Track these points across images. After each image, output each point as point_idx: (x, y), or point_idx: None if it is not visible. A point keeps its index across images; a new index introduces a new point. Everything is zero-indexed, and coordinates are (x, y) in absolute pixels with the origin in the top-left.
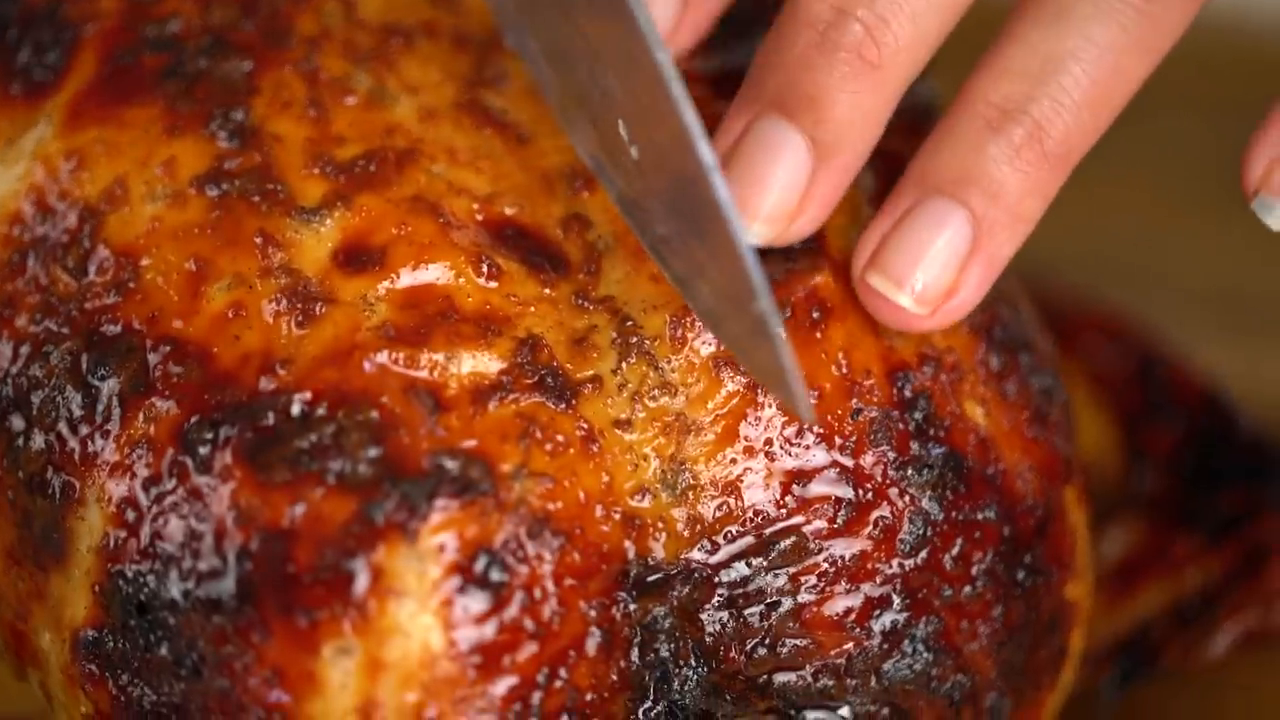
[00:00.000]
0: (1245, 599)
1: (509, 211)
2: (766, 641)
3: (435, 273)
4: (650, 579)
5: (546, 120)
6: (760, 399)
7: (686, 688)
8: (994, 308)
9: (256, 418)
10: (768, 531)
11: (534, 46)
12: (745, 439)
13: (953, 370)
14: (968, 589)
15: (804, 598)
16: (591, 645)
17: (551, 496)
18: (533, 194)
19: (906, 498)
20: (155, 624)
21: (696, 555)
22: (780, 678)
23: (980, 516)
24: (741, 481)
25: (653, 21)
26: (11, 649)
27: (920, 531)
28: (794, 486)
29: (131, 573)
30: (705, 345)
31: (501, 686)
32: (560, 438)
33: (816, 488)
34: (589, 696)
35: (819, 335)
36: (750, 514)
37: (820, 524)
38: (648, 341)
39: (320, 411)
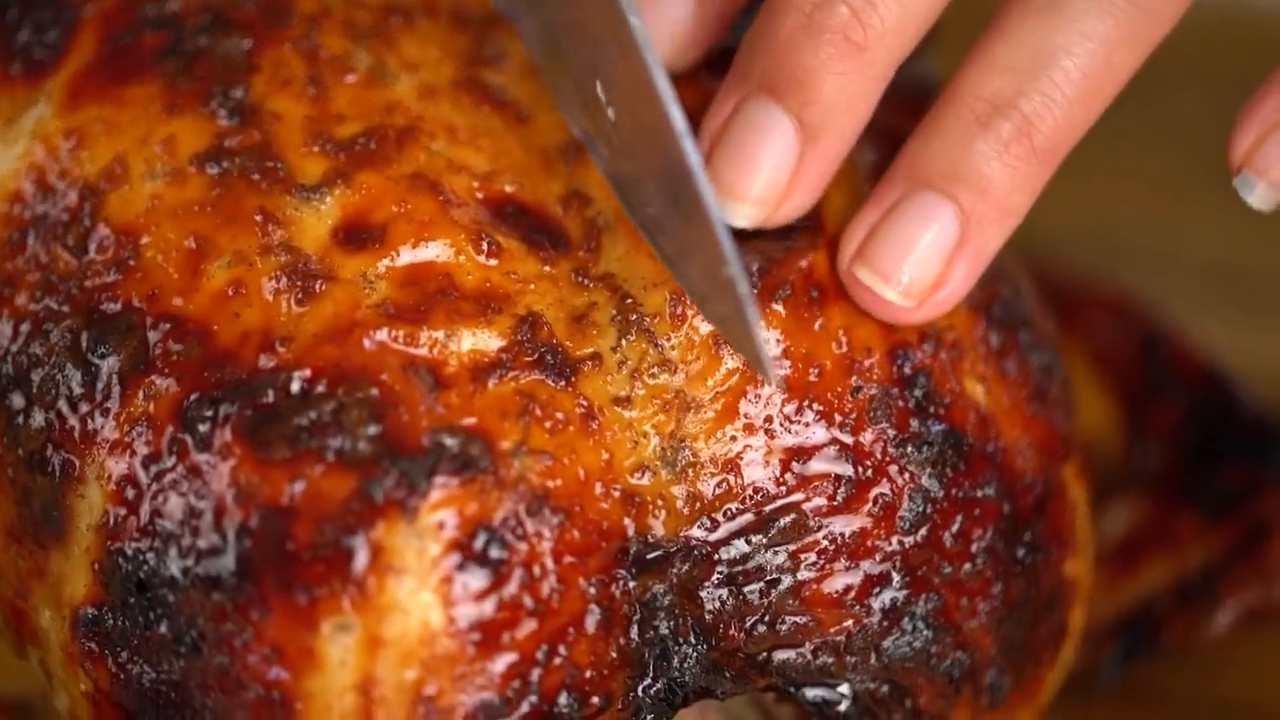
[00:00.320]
0: (1247, 576)
1: (509, 189)
2: (766, 619)
3: (435, 250)
4: (650, 556)
5: (545, 98)
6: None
7: (686, 665)
8: (994, 286)
9: (256, 395)
10: (767, 509)
11: (528, 22)
12: (745, 416)
13: (953, 348)
14: (967, 566)
15: (804, 575)
16: (591, 622)
17: (551, 474)
18: (532, 171)
19: (906, 475)
20: (155, 601)
21: (696, 532)
22: (780, 655)
23: (980, 494)
24: (741, 459)
25: (636, 6)
26: (11, 627)
27: (920, 509)
28: (794, 464)
29: (131, 550)
30: (705, 323)
31: (501, 663)
32: (560, 415)
33: (816, 465)
34: (588, 674)
35: (818, 313)
36: (750, 491)
37: (820, 501)
38: (647, 319)
39: (320, 389)
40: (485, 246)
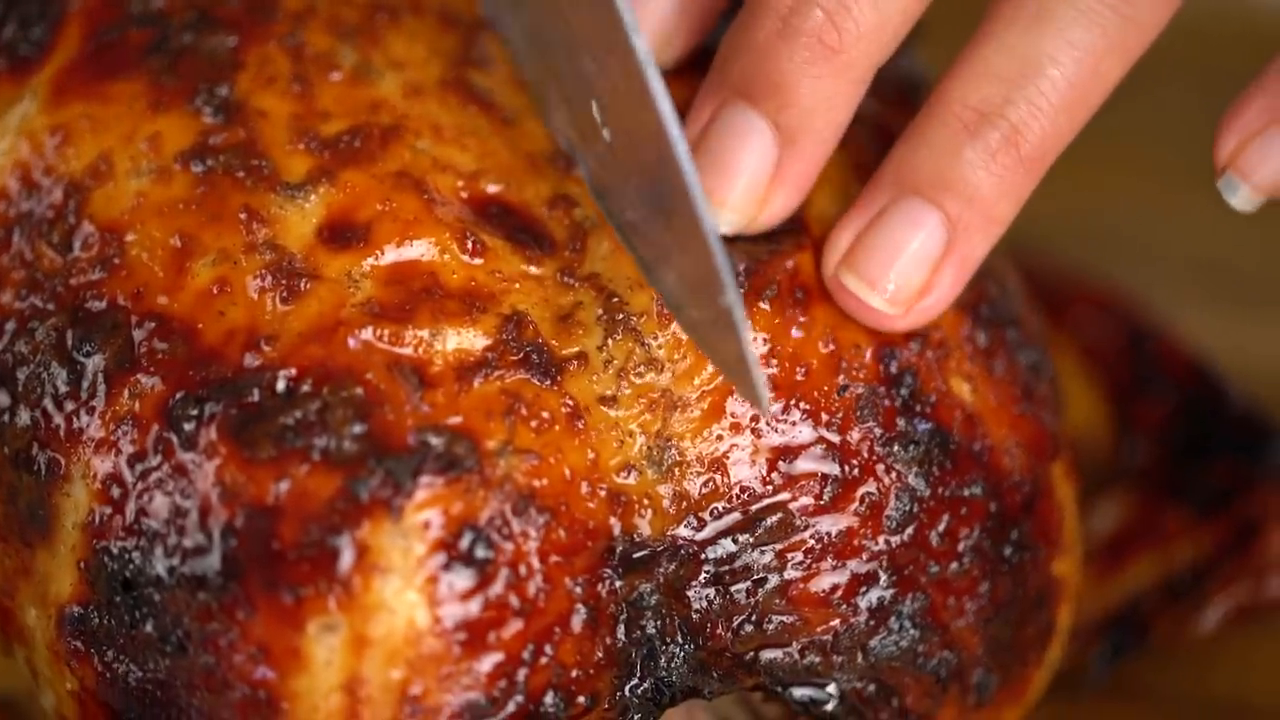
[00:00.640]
0: (1235, 573)
1: (494, 189)
2: (753, 618)
3: (420, 249)
4: (636, 556)
5: (532, 105)
6: None
7: (673, 665)
8: (981, 285)
9: (241, 394)
10: (754, 508)
11: (515, 31)
12: (732, 415)
13: (939, 347)
14: (954, 565)
15: (790, 574)
16: (577, 622)
17: (537, 473)
18: (518, 173)
19: (893, 474)
20: (140, 600)
21: (683, 532)
22: (767, 654)
23: (967, 492)
24: (728, 458)
25: (631, 7)
26: None
27: (907, 508)
28: (780, 463)
29: (117, 549)
30: None
31: (487, 663)
32: (545, 414)
33: (803, 464)
34: (574, 673)
35: (804, 313)
36: (736, 490)
37: (806, 500)
38: (634, 318)
39: (305, 388)
40: (470, 245)
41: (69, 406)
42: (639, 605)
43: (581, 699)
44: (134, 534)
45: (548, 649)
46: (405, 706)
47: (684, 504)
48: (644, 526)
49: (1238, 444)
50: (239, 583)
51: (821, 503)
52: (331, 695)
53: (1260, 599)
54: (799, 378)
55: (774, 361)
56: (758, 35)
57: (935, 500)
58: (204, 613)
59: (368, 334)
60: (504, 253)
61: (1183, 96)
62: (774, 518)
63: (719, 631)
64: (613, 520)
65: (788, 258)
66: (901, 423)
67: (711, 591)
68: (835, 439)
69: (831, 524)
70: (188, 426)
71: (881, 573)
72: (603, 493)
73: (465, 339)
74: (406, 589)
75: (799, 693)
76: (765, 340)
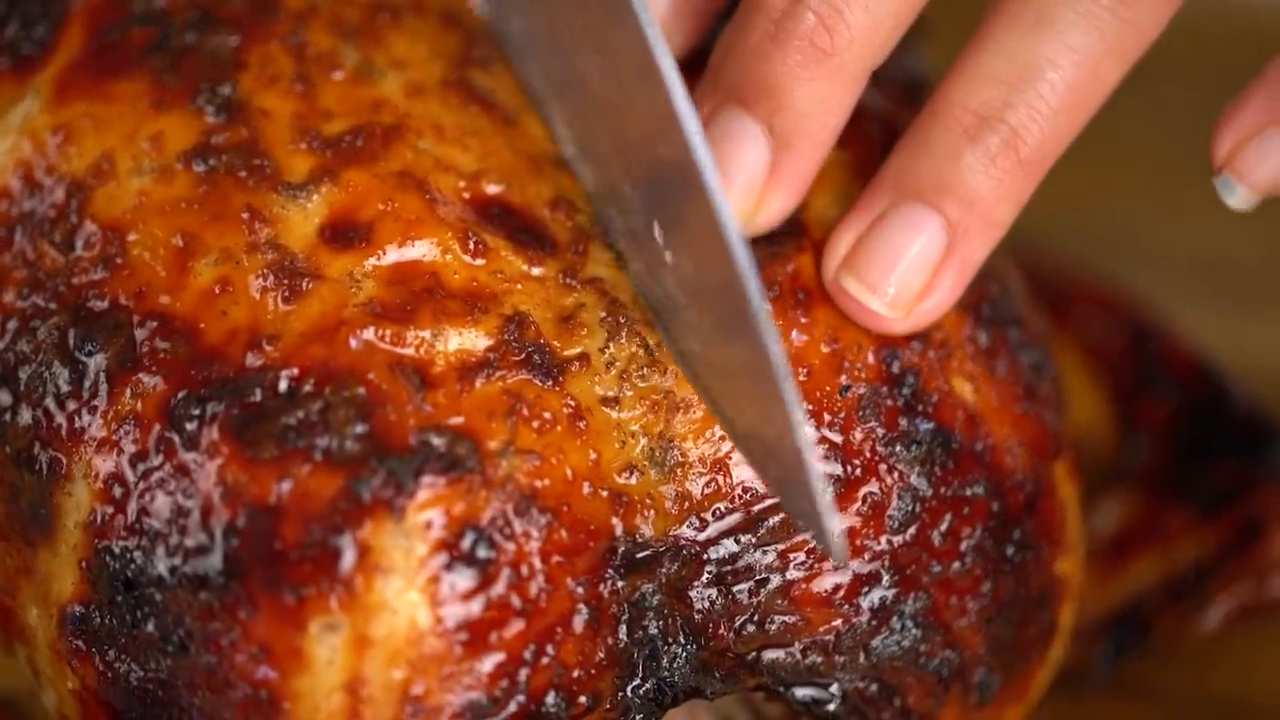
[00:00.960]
0: (1238, 572)
1: (496, 190)
2: (755, 618)
3: (422, 249)
4: (638, 556)
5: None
6: None
7: (675, 665)
8: (983, 285)
9: (243, 394)
10: (756, 508)
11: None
12: None
13: (940, 347)
14: (956, 565)
15: (792, 574)
16: (579, 623)
17: (539, 474)
18: (520, 174)
19: (895, 474)
20: (142, 600)
21: (685, 532)
22: (769, 655)
23: (969, 492)
24: (730, 459)
25: (712, 160)
26: None
27: (909, 508)
28: None
29: (118, 549)
30: None
31: (488, 663)
32: (547, 415)
33: None
34: (576, 673)
35: (805, 316)
36: (739, 491)
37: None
38: (636, 321)
39: (307, 388)
40: (472, 246)
41: (71, 406)
42: (641, 605)
43: (583, 699)
44: (136, 533)
45: (549, 649)
46: (407, 706)
47: (686, 504)
48: (646, 527)
49: (1241, 444)
50: (241, 582)
51: None
52: (333, 695)
53: (1262, 598)
54: (801, 378)
55: None
56: (750, 39)
57: (937, 500)
58: (206, 612)
59: (369, 334)
60: (506, 253)
61: (1184, 96)
62: (776, 518)
63: (721, 632)
64: (615, 521)
65: (788, 260)
66: (904, 423)
67: (714, 592)
68: (837, 439)
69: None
70: (190, 426)
71: (884, 572)
72: (604, 493)
73: (467, 339)
74: (408, 589)
75: (801, 693)
76: None
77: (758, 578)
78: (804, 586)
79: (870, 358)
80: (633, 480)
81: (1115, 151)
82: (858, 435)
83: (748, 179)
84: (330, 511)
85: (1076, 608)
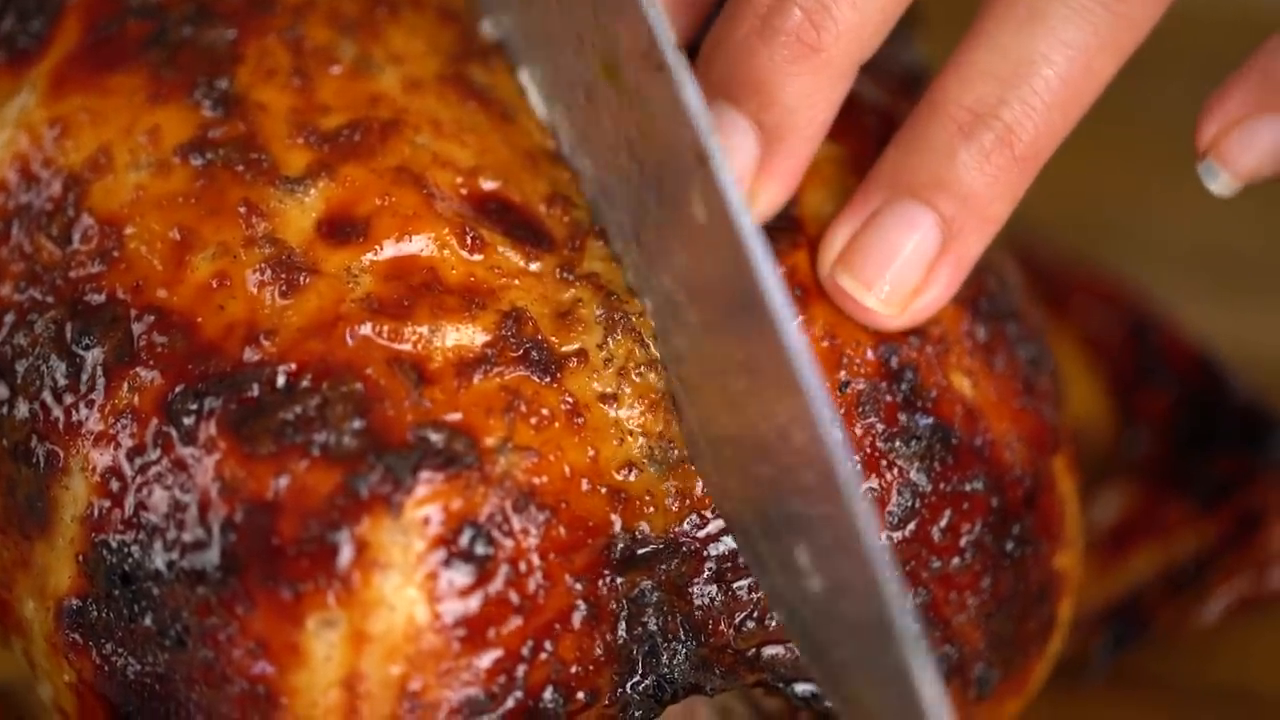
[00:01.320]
0: (1238, 564)
1: (493, 185)
2: (755, 615)
3: (419, 244)
4: (638, 553)
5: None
6: None
7: (675, 661)
8: (980, 279)
9: (241, 389)
10: None
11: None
12: None
13: (939, 342)
14: (956, 560)
15: None
16: (577, 619)
17: (536, 470)
18: (516, 170)
19: (895, 470)
20: (139, 594)
21: (685, 529)
22: (769, 651)
23: (968, 487)
24: None
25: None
26: None
27: (908, 503)
28: None
29: (115, 542)
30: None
31: (486, 659)
32: (545, 411)
33: None
34: (574, 669)
35: (803, 311)
36: None
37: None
38: (634, 317)
39: (304, 383)
40: (469, 241)
41: (68, 399)
42: (640, 602)
43: (581, 695)
44: (133, 528)
45: (547, 645)
46: (404, 702)
47: (686, 501)
48: (645, 524)
49: (1240, 435)
50: (238, 577)
51: None
52: (330, 691)
53: (1262, 590)
54: None
55: None
56: (737, 35)
57: (937, 495)
58: (203, 607)
59: (367, 329)
60: (503, 249)
61: (1182, 85)
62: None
63: (721, 628)
64: (614, 517)
65: (784, 257)
66: (903, 418)
67: (714, 588)
68: None
69: None
70: (187, 421)
71: None
72: (603, 490)
73: (465, 335)
74: (406, 585)
75: (800, 688)
76: None
77: None
78: None
79: (869, 354)
80: (632, 477)
81: (1113, 142)
82: (857, 431)
83: (737, 175)
84: (328, 507)
85: (1075, 601)
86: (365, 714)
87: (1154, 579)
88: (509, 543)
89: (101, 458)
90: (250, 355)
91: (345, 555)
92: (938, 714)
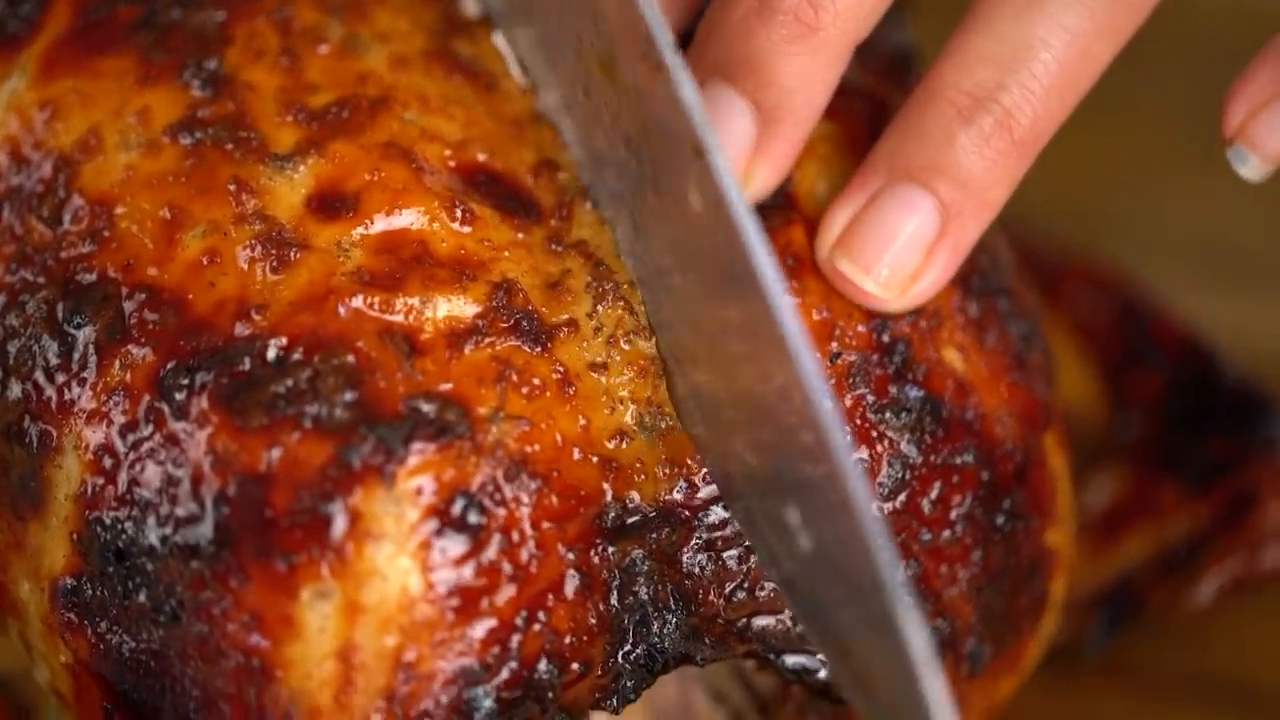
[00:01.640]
0: (1230, 546)
1: (481, 158)
2: (745, 585)
3: (409, 218)
4: (629, 522)
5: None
6: None
7: (666, 631)
8: (973, 256)
9: (232, 363)
10: None
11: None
12: None
13: (931, 316)
14: (946, 533)
15: None
16: (570, 588)
17: (528, 439)
18: (504, 140)
19: (885, 441)
20: (133, 570)
21: (675, 498)
22: (759, 621)
23: (958, 460)
24: None
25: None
26: None
27: (899, 475)
28: None
29: (109, 519)
30: None
31: (480, 629)
32: (536, 381)
33: None
34: (567, 639)
35: (797, 282)
36: None
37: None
38: (623, 286)
39: (296, 356)
40: (459, 214)
41: (60, 378)
42: (632, 571)
43: (575, 665)
44: (126, 504)
45: (541, 615)
46: (399, 673)
47: (676, 470)
48: (636, 493)
49: (1231, 416)
50: (232, 551)
51: None
52: (325, 662)
53: (1255, 572)
54: None
55: None
56: (735, 14)
57: (927, 467)
58: (197, 581)
59: (358, 302)
60: (493, 221)
61: (1177, 73)
62: None
63: (711, 598)
64: (605, 486)
65: (778, 233)
66: (894, 390)
67: (704, 557)
68: None
69: None
70: (179, 396)
71: None
72: (595, 459)
73: (455, 306)
74: (399, 555)
75: (791, 660)
76: None
77: (748, 544)
78: None
79: (861, 326)
80: (623, 446)
81: (1107, 128)
82: (848, 402)
83: (733, 153)
84: (320, 478)
85: (1068, 581)
86: (360, 685)
87: (1147, 562)
88: (501, 512)
89: (94, 435)
90: (241, 330)
91: (338, 526)
92: (926, 659)
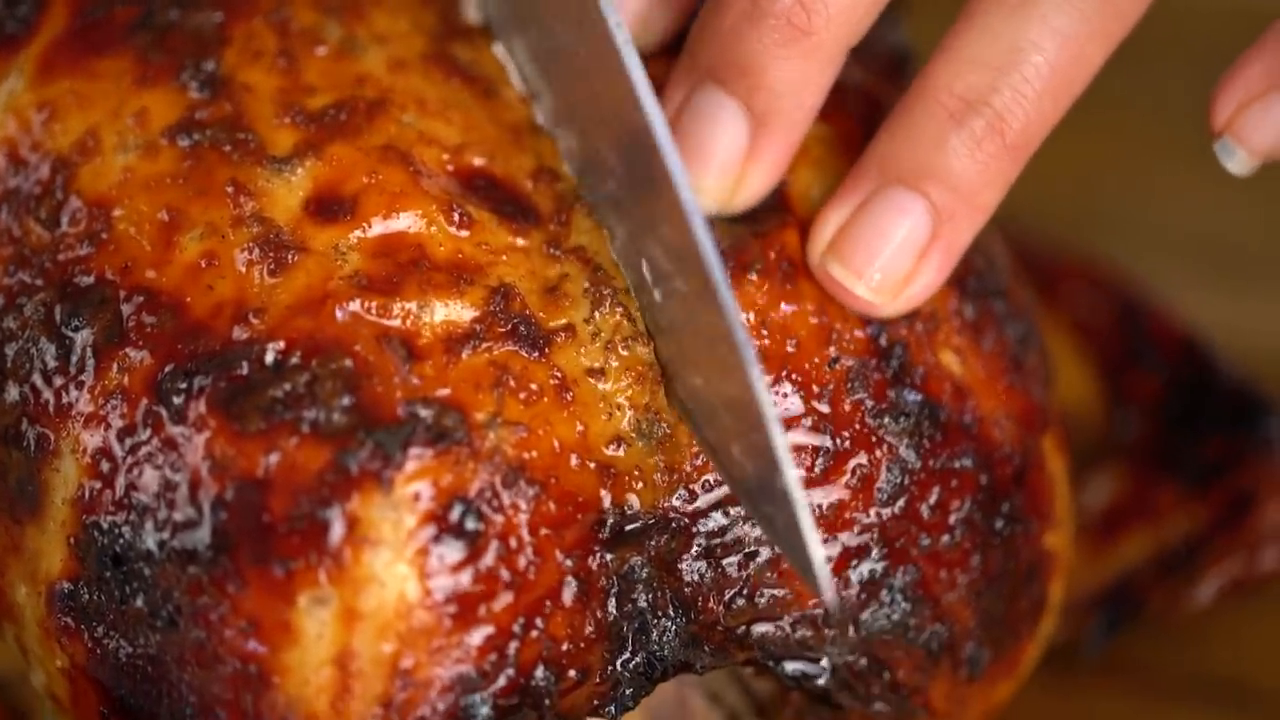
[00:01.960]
0: (1229, 546)
1: (479, 162)
2: (744, 592)
3: (407, 221)
4: (627, 528)
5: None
6: None
7: (665, 638)
8: (968, 258)
9: (230, 367)
10: None
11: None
12: None
13: (928, 320)
14: (945, 538)
15: None
16: (568, 595)
17: (526, 445)
18: (502, 145)
19: (884, 446)
20: (130, 575)
21: (674, 504)
22: (758, 628)
23: (957, 465)
24: None
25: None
26: None
27: (898, 480)
28: None
29: (106, 524)
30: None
31: (477, 636)
32: (534, 386)
33: (794, 436)
34: (565, 647)
35: (792, 287)
36: None
37: (798, 473)
38: (620, 291)
39: (294, 360)
40: (457, 218)
41: (58, 381)
42: (630, 578)
43: (572, 673)
44: (124, 508)
45: (538, 622)
46: (396, 680)
47: (675, 476)
48: (634, 499)
49: (1230, 417)
50: (229, 556)
51: (813, 475)
52: (322, 669)
53: (1253, 572)
54: (789, 350)
55: (764, 333)
56: (727, 18)
57: (926, 472)
58: (194, 587)
59: (355, 306)
60: (491, 225)
61: (1175, 71)
62: None
63: (710, 605)
64: (603, 493)
65: (772, 236)
66: (892, 394)
67: (703, 565)
68: (826, 410)
69: (823, 496)
70: (177, 400)
71: (873, 545)
72: (593, 465)
73: (453, 311)
74: (397, 561)
75: (791, 667)
76: (754, 314)
77: (747, 551)
78: None
79: (858, 331)
80: (620, 452)
81: (1105, 128)
82: (846, 407)
83: (726, 158)
84: (318, 484)
85: (1067, 583)
86: (357, 692)
87: (1145, 562)
88: (499, 518)
89: (92, 439)
90: (239, 333)
91: (336, 532)
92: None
